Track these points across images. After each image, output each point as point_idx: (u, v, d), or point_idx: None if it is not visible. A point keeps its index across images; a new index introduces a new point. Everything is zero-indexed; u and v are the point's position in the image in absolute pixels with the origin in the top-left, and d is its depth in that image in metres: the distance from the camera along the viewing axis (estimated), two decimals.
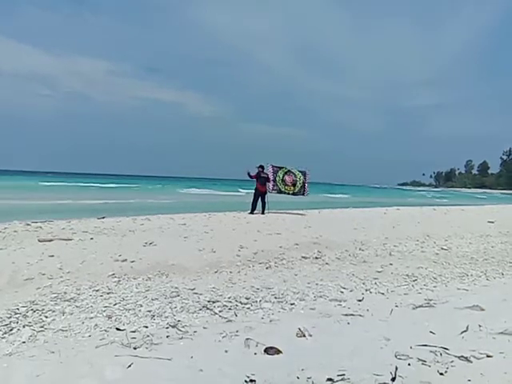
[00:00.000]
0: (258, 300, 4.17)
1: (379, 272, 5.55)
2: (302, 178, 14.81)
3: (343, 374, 2.51)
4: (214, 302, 4.04)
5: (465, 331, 3.26)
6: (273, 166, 14.53)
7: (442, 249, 7.49)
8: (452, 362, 2.71)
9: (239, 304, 4.03)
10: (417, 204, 26.66)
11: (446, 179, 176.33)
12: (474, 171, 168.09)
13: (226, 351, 2.90)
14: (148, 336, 3.15)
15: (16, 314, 3.57)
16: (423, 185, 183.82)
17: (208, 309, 3.86)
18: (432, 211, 18.02)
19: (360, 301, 4.24)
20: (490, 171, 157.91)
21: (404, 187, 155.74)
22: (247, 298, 4.20)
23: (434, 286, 4.93)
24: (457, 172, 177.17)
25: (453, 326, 3.39)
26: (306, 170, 15.04)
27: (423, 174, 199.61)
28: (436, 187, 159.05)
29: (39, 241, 6.88)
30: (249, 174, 14.05)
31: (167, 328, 3.35)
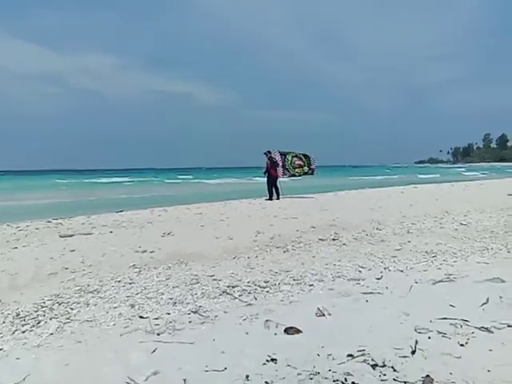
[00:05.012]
0: (277, 283, 4.21)
1: (398, 250, 5.52)
2: (306, 160, 14.86)
3: (363, 350, 2.54)
4: (233, 287, 4.09)
5: (485, 303, 3.24)
6: (280, 153, 14.56)
7: (462, 224, 7.40)
8: (473, 333, 2.71)
9: (258, 288, 4.07)
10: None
11: (464, 155, 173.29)
12: (493, 145, 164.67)
13: (247, 333, 2.95)
14: (171, 322, 3.21)
15: (42, 307, 3.67)
16: (441, 161, 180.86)
17: (228, 294, 3.91)
18: (450, 187, 17.77)
19: (379, 279, 4.24)
20: (509, 144, 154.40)
21: (421, 165, 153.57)
22: (266, 282, 4.24)
23: (454, 261, 4.88)
24: (475, 147, 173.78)
25: (473, 298, 3.38)
26: (308, 154, 15.10)
27: (440, 151, 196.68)
28: (454, 163, 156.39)
29: (60, 236, 7.04)
30: (265, 171, 14.05)
31: (189, 314, 3.41)
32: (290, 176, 14.70)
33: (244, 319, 3.22)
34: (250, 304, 3.62)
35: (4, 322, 3.35)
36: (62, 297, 3.95)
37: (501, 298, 3.33)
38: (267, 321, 3.10)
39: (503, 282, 3.77)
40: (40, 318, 3.44)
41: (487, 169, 73.10)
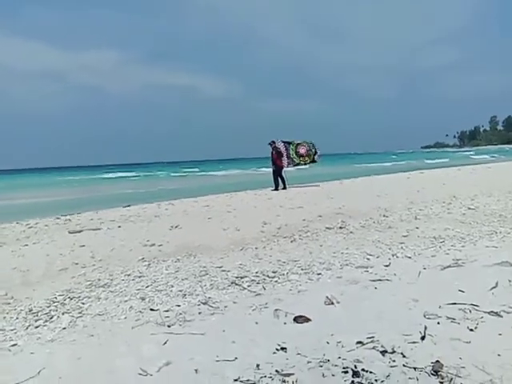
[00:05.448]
0: (285, 273, 4.22)
1: (405, 236, 5.51)
2: (312, 146, 14.81)
3: (372, 337, 2.55)
4: (242, 278, 4.11)
5: (494, 287, 3.23)
6: (283, 142, 14.52)
7: (469, 208, 7.35)
8: (482, 317, 2.71)
9: (267, 278, 4.09)
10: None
11: (471, 138, 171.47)
12: (499, 127, 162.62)
13: (257, 323, 2.97)
14: (181, 314, 3.25)
15: (54, 302, 3.72)
16: (447, 146, 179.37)
17: (237, 284, 3.94)
18: (457, 172, 17.64)
19: (387, 266, 4.24)
20: None
21: (428, 150, 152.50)
22: (274, 272, 4.26)
23: (462, 246, 4.86)
24: (481, 130, 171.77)
25: (482, 283, 3.37)
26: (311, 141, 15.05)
27: (446, 135, 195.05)
28: (460, 147, 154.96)
29: (69, 232, 7.11)
30: (272, 162, 13.96)
31: (199, 305, 3.44)
32: (294, 165, 14.68)
33: (253, 309, 3.25)
34: (259, 294, 3.65)
35: (17, 318, 3.40)
36: (73, 292, 4.00)
37: (510, 281, 3.32)
38: (276, 310, 3.12)
39: None
40: (52, 313, 3.49)
41: (496, 151, 72.03)
